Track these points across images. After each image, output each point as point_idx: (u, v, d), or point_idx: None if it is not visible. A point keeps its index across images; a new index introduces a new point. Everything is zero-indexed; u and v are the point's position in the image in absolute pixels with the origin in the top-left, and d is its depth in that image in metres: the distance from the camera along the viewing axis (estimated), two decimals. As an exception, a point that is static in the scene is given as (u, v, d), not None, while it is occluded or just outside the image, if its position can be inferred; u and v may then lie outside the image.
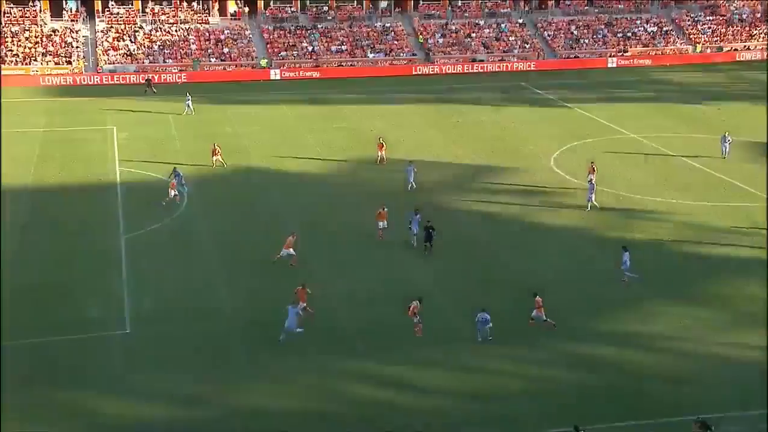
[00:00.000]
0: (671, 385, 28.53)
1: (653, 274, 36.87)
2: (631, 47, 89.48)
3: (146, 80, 72.85)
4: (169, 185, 44.68)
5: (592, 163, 47.42)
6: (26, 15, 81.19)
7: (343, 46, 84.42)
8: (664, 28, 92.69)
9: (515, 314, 33.49)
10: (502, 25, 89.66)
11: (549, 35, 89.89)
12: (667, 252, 39.50)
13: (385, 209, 40.39)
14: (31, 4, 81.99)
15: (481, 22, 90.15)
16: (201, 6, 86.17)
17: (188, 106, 64.76)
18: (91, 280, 36.21)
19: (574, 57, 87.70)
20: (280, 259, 36.99)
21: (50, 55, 77.68)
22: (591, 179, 45.24)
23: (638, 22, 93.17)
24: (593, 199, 44.22)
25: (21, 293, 34.79)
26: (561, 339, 31.55)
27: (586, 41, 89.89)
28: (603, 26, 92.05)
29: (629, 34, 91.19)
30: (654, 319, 33.03)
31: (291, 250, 37.20)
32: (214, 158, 51.26)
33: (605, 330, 32.22)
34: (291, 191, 47.75)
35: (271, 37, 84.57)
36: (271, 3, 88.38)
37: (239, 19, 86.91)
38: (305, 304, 32.50)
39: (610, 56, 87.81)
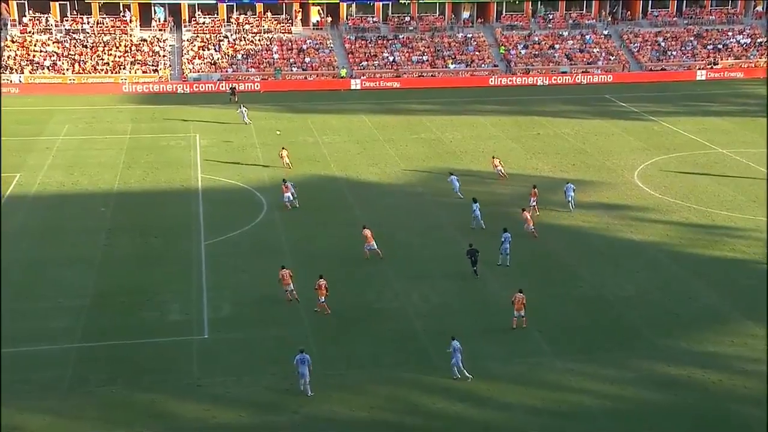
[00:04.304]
0: (760, 409, 27.43)
1: (740, 293, 35.71)
2: (721, 59, 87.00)
3: (231, 88, 73.87)
4: (283, 188, 45.65)
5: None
6: (117, 25, 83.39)
7: (423, 57, 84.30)
8: (758, 40, 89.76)
9: (595, 330, 32.88)
10: (587, 37, 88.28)
11: (635, 47, 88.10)
12: (755, 271, 38.06)
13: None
14: (122, 14, 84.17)
15: (565, 33, 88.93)
16: (284, 16, 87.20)
17: (243, 114, 64.64)
18: (172, 284, 36.76)
19: (661, 69, 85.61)
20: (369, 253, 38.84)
21: (138, 63, 79.60)
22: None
23: (730, 33, 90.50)
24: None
25: (105, 296, 35.57)
26: (643, 357, 30.79)
27: (674, 53, 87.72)
28: (692, 38, 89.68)
29: (720, 46, 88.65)
30: (740, 339, 31.91)
31: (373, 243, 38.76)
32: (284, 161, 52.79)
33: (689, 349, 31.32)
34: (369, 201, 47.67)
35: (352, 47, 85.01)
36: (354, 13, 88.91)
37: (321, 28, 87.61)
38: (292, 287, 34.50)
39: (699, 69, 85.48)
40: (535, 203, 44.75)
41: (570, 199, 45.70)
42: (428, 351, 31.35)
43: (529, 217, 41.92)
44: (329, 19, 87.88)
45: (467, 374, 29.30)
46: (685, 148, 58.55)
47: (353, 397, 28.30)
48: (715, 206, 46.36)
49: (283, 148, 54.29)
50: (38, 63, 78.17)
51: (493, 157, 52.58)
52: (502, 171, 51.42)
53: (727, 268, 38.29)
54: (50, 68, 77.84)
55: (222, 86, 75.83)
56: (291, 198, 45.54)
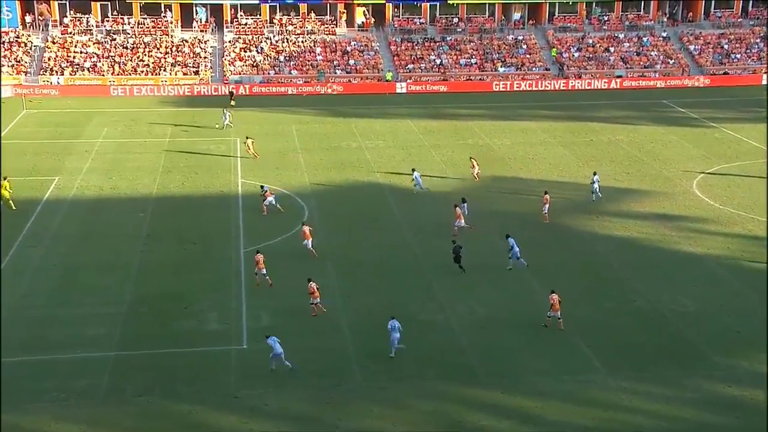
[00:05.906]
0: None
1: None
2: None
3: (230, 92, 72.87)
4: (266, 194, 45.50)
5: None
6: (158, 26, 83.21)
7: (472, 60, 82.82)
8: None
9: (650, 347, 31.68)
10: (644, 39, 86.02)
11: (696, 50, 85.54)
12: (821, 287, 36.24)
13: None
14: (162, 15, 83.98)
15: (621, 36, 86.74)
16: (329, 16, 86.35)
17: (225, 118, 63.97)
18: (211, 292, 36.10)
19: (723, 73, 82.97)
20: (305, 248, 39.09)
21: (179, 65, 79.25)
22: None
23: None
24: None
25: (143, 303, 35.09)
26: (701, 376, 29.65)
27: (738, 56, 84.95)
28: (758, 39, 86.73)
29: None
30: (807, 360, 30.22)
31: (309, 241, 39.15)
32: (250, 152, 54.93)
33: (752, 369, 29.99)
34: (412, 208, 46.62)
35: (398, 49, 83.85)
36: (400, 14, 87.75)
37: (367, 30, 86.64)
38: (264, 272, 36.05)
39: (765, 72, 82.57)
40: (546, 210, 43.71)
41: (595, 190, 46.63)
42: (474, 365, 30.45)
43: (459, 213, 41.75)
44: (374, 20, 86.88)
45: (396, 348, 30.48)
46: (749, 157, 56.45)
47: (395, 412, 27.59)
48: (780, 218, 44.47)
49: (247, 138, 55.88)
50: (78, 64, 78.16)
51: (471, 158, 52.00)
52: (477, 173, 50.76)
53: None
54: (90, 70, 77.79)
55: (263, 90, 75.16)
56: (273, 202, 45.11)
